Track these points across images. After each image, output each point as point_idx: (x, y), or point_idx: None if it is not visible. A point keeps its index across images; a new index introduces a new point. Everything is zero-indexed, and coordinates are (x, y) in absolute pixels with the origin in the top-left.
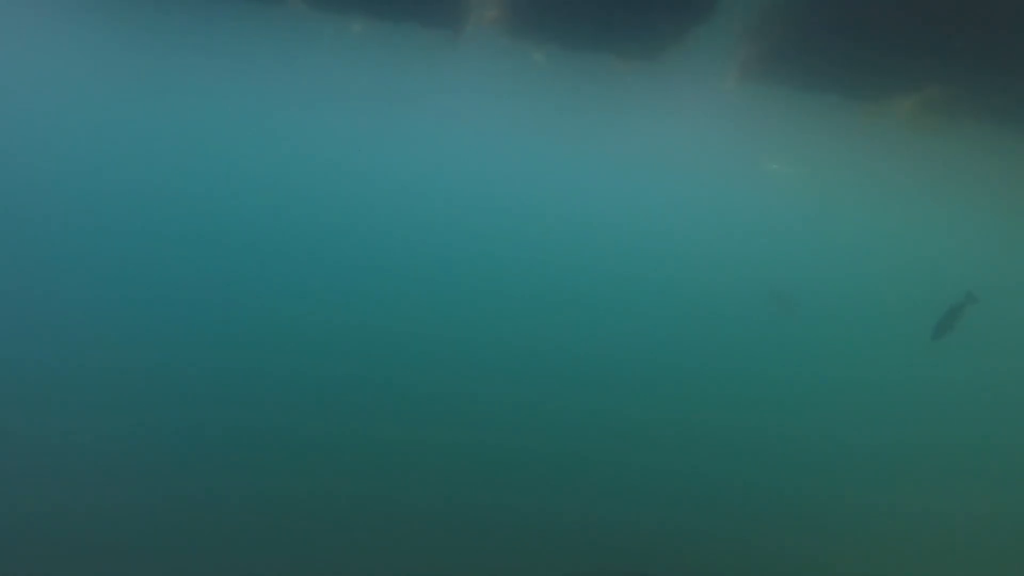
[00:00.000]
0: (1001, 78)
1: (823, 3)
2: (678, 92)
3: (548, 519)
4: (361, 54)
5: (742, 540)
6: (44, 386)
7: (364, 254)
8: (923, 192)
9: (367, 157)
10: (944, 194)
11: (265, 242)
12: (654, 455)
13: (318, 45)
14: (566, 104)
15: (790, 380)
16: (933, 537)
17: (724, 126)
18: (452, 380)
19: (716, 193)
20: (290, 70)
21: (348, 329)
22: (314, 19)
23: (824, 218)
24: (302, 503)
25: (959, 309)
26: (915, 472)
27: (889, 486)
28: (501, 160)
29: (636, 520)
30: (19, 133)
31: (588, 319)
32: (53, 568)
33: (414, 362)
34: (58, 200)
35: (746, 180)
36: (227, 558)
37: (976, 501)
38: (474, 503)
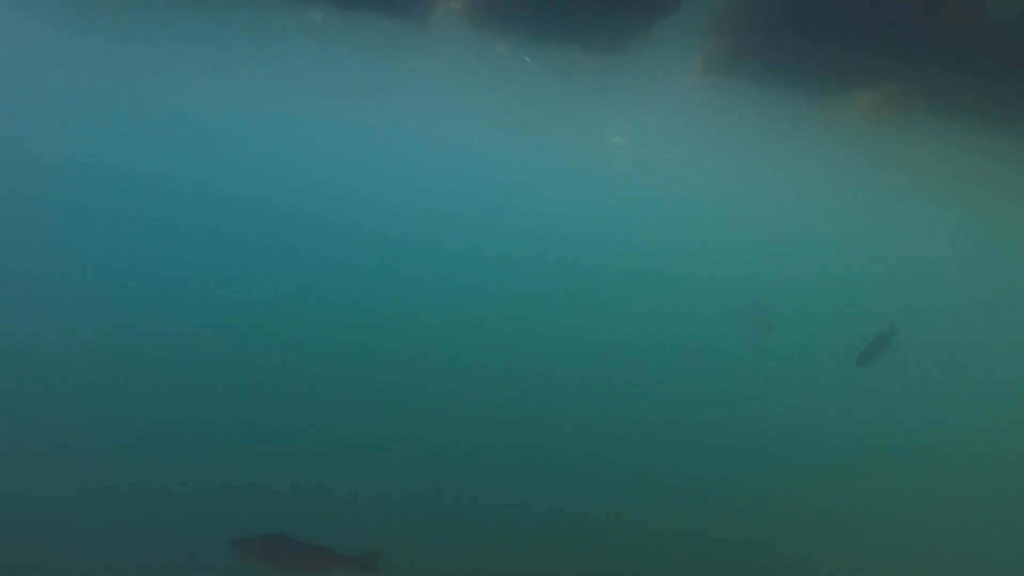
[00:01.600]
0: (954, 73)
1: None
2: (643, 84)
3: (536, 517)
4: (323, 44)
5: (730, 540)
6: (44, 378)
7: (325, 249)
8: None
9: (328, 149)
10: (895, 186)
11: (223, 235)
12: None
13: (278, 34)
14: (530, 95)
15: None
16: (917, 541)
17: (691, 118)
18: (412, 374)
19: (694, 187)
20: (249, 60)
21: (311, 322)
22: (274, 7)
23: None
24: (299, 500)
25: (884, 340)
26: (902, 476)
27: (878, 489)
28: (465, 152)
29: (626, 519)
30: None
31: (561, 315)
32: (50, 560)
33: (376, 355)
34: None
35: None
36: (223, 553)
37: (963, 506)
38: (464, 501)
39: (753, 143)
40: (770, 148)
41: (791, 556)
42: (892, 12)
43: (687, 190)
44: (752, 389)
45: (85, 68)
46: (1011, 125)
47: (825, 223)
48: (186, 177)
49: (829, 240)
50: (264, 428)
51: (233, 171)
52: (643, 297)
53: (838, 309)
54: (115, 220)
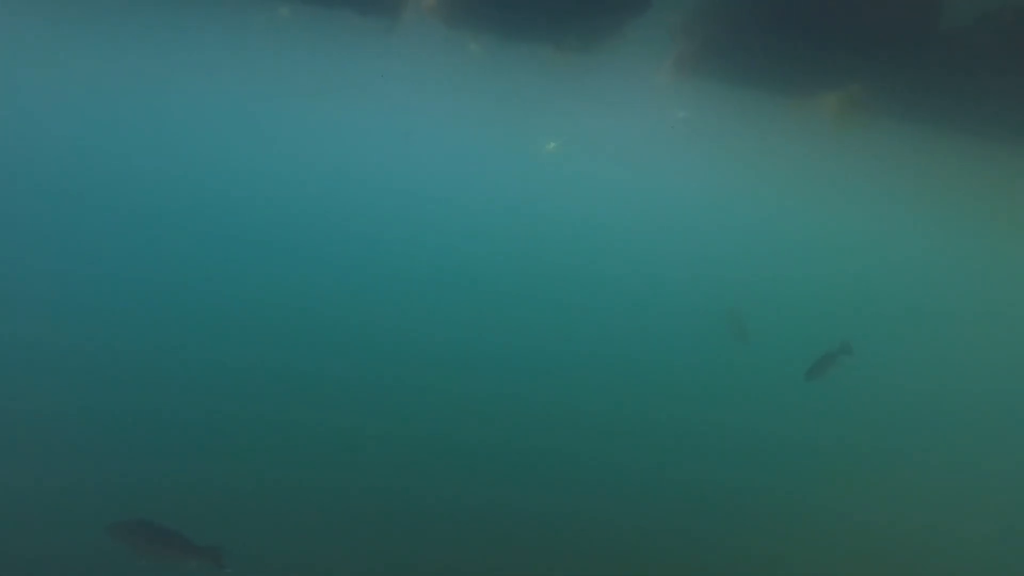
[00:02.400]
0: (912, 77)
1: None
2: (613, 84)
3: (522, 516)
4: (291, 40)
5: (715, 540)
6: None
7: (287, 244)
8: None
9: (295, 146)
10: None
11: (183, 231)
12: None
13: (244, 29)
14: (501, 94)
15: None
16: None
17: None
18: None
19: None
20: (213, 54)
21: (263, 320)
22: (242, 1)
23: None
24: (294, 498)
25: (833, 357)
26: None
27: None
28: (435, 149)
29: (609, 518)
30: None
31: (525, 313)
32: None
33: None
34: None
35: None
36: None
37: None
38: (452, 500)
39: (723, 142)
40: (739, 147)
41: (776, 557)
42: (854, 16)
43: (656, 189)
44: (726, 389)
45: (44, 66)
46: (967, 125)
47: (793, 221)
48: (151, 174)
49: (798, 239)
50: (247, 426)
51: (200, 168)
52: (615, 297)
53: (808, 308)
54: (79, 216)
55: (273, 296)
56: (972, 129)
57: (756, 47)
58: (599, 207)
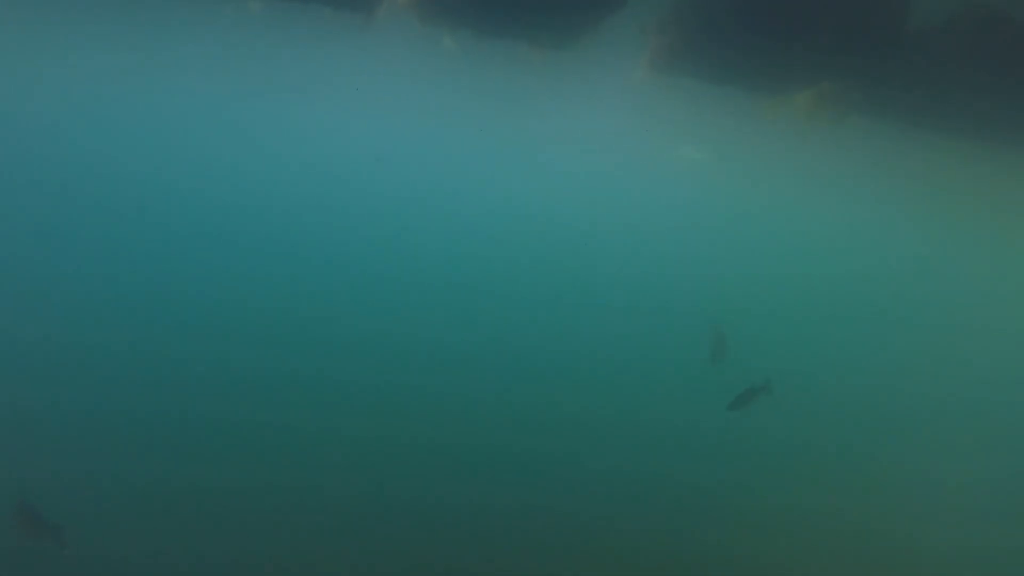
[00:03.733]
0: (882, 75)
1: None
2: (589, 80)
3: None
4: (261, 35)
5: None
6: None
7: (258, 248)
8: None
9: (263, 146)
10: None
11: (146, 232)
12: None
13: (213, 24)
14: (476, 91)
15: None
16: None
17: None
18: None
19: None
20: (182, 50)
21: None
22: None
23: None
24: (291, 499)
25: (754, 392)
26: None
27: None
28: (408, 147)
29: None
30: None
31: (498, 312)
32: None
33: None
34: None
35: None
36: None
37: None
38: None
39: (698, 140)
40: (711, 143)
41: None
42: (826, 15)
43: (629, 185)
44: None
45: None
46: (936, 121)
47: (766, 217)
48: (121, 171)
49: (770, 234)
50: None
51: (165, 164)
52: (588, 295)
53: (780, 305)
54: (39, 215)
55: (235, 293)
56: (941, 125)
57: (730, 45)
58: (573, 203)
